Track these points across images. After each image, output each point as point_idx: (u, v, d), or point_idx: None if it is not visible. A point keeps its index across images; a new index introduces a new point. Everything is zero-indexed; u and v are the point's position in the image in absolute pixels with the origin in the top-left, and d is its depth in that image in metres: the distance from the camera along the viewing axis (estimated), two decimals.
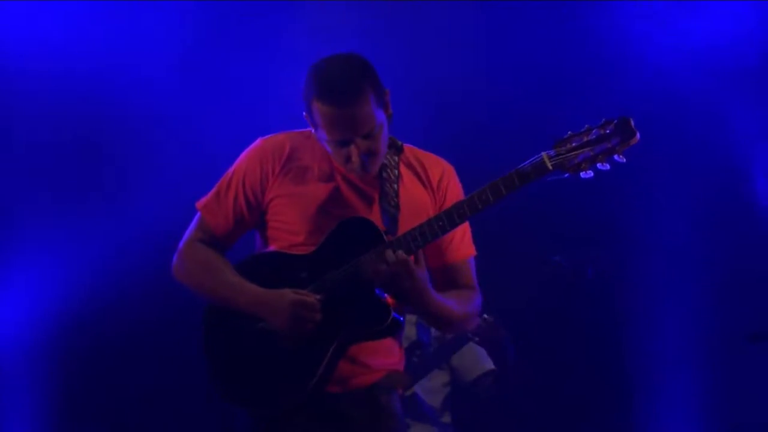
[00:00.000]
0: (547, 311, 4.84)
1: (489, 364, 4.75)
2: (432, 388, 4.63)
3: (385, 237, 2.92)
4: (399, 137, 3.14)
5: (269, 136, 3.13)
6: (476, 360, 4.74)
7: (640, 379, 5.33)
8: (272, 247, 3.06)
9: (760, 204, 5.26)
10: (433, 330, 4.66)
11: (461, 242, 3.12)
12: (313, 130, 3.03)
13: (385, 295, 2.91)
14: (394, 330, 2.95)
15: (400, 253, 2.85)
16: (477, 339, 4.64)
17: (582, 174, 2.81)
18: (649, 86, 5.14)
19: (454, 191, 3.10)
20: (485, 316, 4.62)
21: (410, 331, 4.64)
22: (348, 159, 2.95)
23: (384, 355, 3.03)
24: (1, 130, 5.30)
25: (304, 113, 3.01)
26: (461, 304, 3.05)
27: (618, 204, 5.27)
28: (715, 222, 5.26)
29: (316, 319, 2.88)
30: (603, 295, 5.29)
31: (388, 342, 3.03)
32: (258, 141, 3.12)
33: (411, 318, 4.65)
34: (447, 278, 3.10)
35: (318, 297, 2.90)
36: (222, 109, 5.27)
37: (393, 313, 2.88)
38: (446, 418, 4.68)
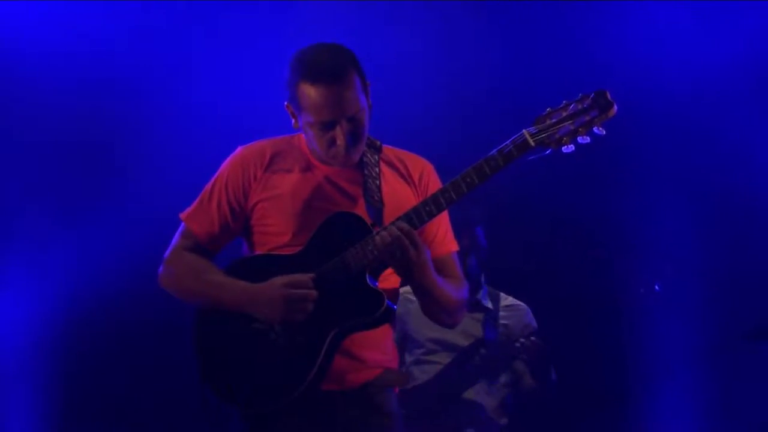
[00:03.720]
0: (543, 310, 4.84)
1: (535, 323, 4.78)
2: (491, 388, 4.64)
3: (372, 229, 2.92)
4: (381, 134, 3.16)
5: (249, 143, 3.15)
6: (523, 317, 4.77)
7: (638, 378, 5.33)
8: (259, 252, 3.06)
9: (760, 203, 5.29)
10: (500, 329, 4.68)
11: (444, 238, 3.15)
12: (294, 122, 3.04)
13: (377, 283, 2.92)
14: (388, 317, 2.95)
15: (403, 224, 2.86)
16: (524, 357, 4.66)
17: (564, 148, 2.84)
18: (649, 85, 5.19)
19: (435, 186, 3.10)
20: (533, 338, 4.65)
21: (476, 329, 4.65)
22: (332, 143, 2.96)
23: (377, 350, 3.03)
24: (3, 131, 5.33)
25: (285, 103, 3.03)
26: (456, 290, 3.08)
27: (617, 203, 5.30)
28: (715, 221, 5.29)
29: (311, 297, 2.88)
30: (602, 293, 5.29)
31: (382, 337, 3.04)
32: (238, 149, 3.14)
33: (478, 316, 4.68)
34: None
35: (310, 275, 2.90)
36: (226, 111, 5.31)
37: (386, 301, 2.89)
38: (503, 420, 4.67)
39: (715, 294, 5.27)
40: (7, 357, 5.22)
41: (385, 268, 2.96)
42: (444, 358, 4.67)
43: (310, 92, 2.92)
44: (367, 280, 2.90)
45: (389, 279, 3.02)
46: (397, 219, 2.90)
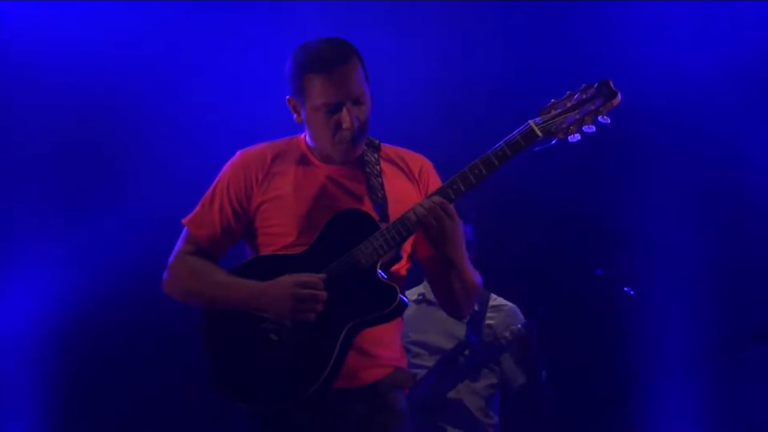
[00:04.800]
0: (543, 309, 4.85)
1: (520, 322, 4.72)
2: (475, 388, 4.62)
3: (380, 225, 2.92)
4: (381, 134, 3.16)
5: (249, 147, 3.15)
6: (506, 317, 4.72)
7: (638, 378, 5.32)
8: (264, 253, 3.04)
9: (761, 203, 5.29)
10: (484, 329, 4.66)
11: None
12: (296, 116, 3.04)
13: (386, 276, 2.91)
14: (401, 311, 2.93)
15: (439, 197, 2.87)
16: (510, 350, 4.62)
17: (570, 138, 2.85)
18: (650, 84, 5.19)
19: (435, 182, 3.12)
20: (513, 327, 4.60)
21: (458, 330, 4.64)
22: (338, 127, 2.95)
23: (388, 348, 3.02)
24: (3, 131, 5.34)
25: (287, 96, 3.03)
26: (476, 274, 3.08)
27: (618, 203, 5.30)
28: (716, 221, 5.29)
29: (321, 298, 2.86)
30: (601, 293, 5.28)
31: (392, 335, 3.03)
32: (238, 153, 3.13)
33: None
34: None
35: (320, 276, 2.89)
36: (227, 112, 5.33)
37: (399, 294, 2.89)
38: (489, 420, 4.65)
39: (715, 294, 5.27)
40: (7, 357, 5.22)
41: (396, 262, 2.96)
42: (428, 361, 4.66)
43: (315, 81, 2.92)
44: (379, 274, 2.89)
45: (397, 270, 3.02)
46: (405, 213, 2.90)
